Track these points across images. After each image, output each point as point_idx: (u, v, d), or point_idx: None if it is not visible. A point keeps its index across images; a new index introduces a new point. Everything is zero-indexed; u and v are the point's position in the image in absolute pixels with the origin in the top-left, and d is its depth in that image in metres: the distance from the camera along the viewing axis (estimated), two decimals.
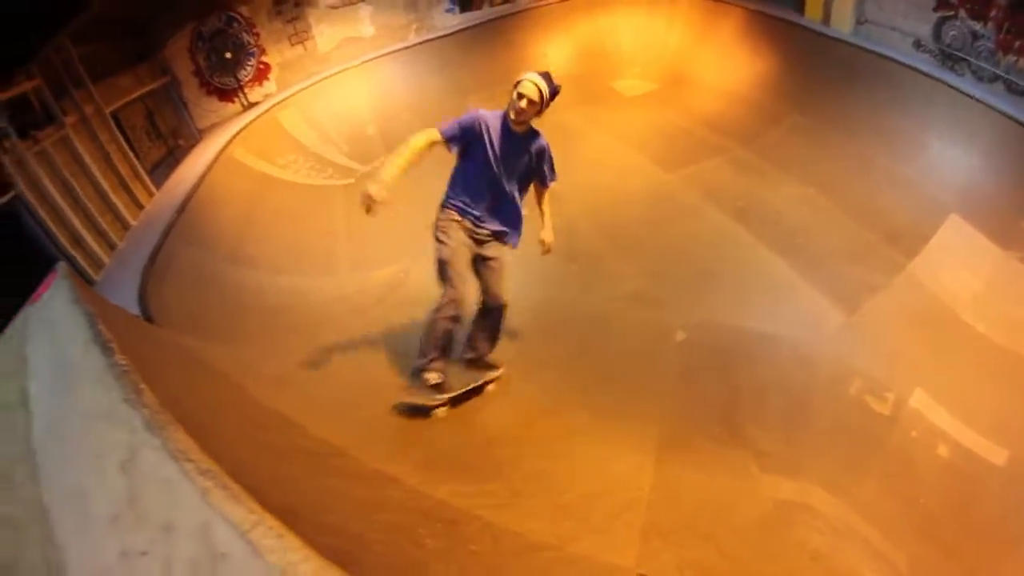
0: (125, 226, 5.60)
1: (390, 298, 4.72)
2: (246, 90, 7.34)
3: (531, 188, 3.28)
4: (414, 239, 5.45)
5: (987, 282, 4.22)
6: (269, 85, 7.53)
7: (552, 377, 3.67)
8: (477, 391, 3.38)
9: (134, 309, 3.78)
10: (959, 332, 3.92)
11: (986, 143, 5.05)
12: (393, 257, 5.31)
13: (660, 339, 4.03)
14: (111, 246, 5.33)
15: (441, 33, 8.20)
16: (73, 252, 5.05)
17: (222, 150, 6.13)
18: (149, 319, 3.73)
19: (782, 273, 4.62)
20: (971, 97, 5.21)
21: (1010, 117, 4.87)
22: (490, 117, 3.04)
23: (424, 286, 4.72)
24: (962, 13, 5.44)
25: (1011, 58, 5.09)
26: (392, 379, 3.42)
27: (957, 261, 4.43)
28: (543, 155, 3.14)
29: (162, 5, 6.66)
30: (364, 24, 7.88)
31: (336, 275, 5.30)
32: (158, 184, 6.34)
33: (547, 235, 3.36)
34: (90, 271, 5.02)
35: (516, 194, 3.18)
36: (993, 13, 5.17)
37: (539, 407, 3.40)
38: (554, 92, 3.00)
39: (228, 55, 7.07)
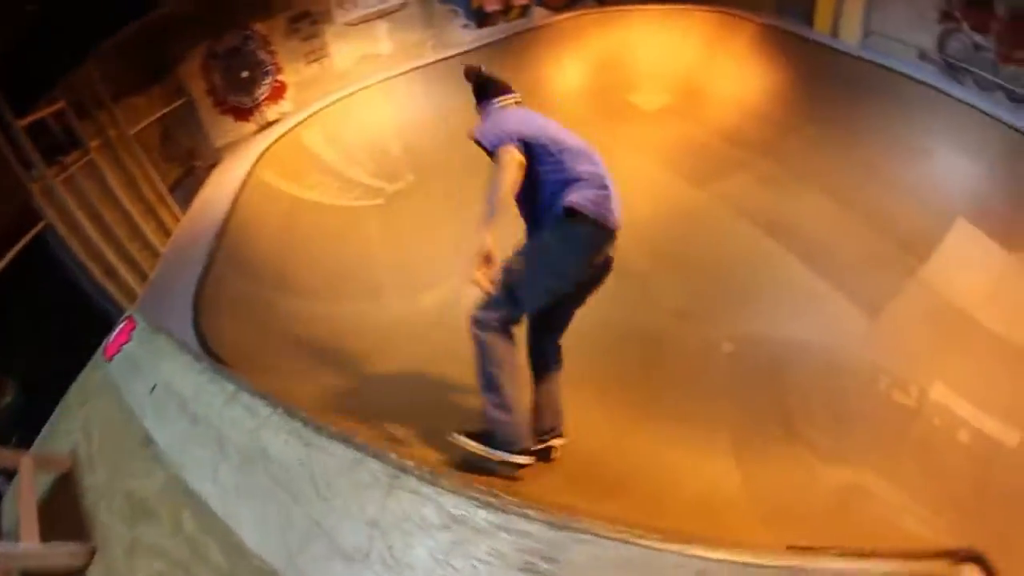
0: (155, 253, 5.40)
1: (447, 321, 4.61)
2: (263, 108, 7.17)
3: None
4: (457, 258, 5.41)
5: (995, 282, 4.68)
6: (285, 104, 7.35)
7: (625, 392, 3.91)
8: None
9: (191, 344, 3.61)
10: (972, 329, 4.36)
11: (987, 150, 5.44)
12: (437, 278, 5.26)
13: (709, 352, 4.37)
14: (143, 276, 5.12)
15: (459, 50, 8.04)
16: (106, 284, 4.85)
17: (249, 172, 5.93)
18: (212, 355, 3.55)
19: (811, 283, 4.90)
20: (973, 107, 5.56)
21: (1010, 126, 5.25)
22: None
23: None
24: (965, 26, 5.71)
25: (1011, 68, 5.41)
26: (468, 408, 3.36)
27: (966, 263, 4.90)
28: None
29: (178, 25, 6.47)
30: (382, 41, 7.74)
31: (382, 299, 5.21)
32: (181, 207, 6.14)
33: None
34: (125, 303, 4.81)
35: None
36: (994, 25, 5.45)
37: (626, 419, 3.65)
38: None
39: (244, 74, 6.90)
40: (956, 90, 5.84)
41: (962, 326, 4.39)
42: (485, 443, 2.49)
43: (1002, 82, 5.49)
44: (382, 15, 7.61)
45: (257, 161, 6.18)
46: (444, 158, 7.05)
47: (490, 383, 2.48)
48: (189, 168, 6.70)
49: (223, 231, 4.97)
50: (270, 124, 7.21)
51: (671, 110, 8.18)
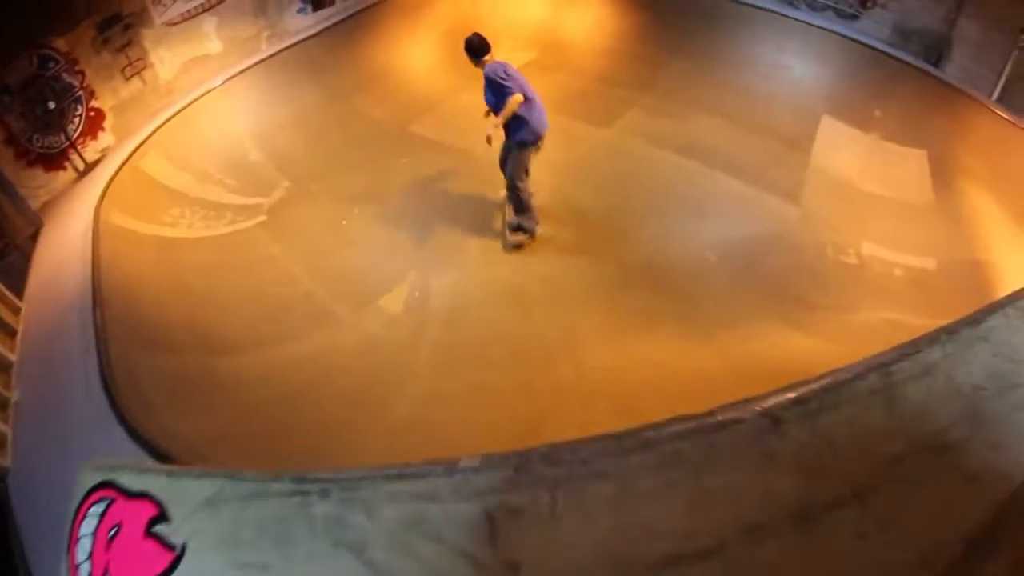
0: (4, 368, 4.01)
1: (433, 319, 4.61)
2: (79, 148, 5.72)
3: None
4: (393, 249, 5.32)
5: (865, 158, 5.75)
6: (105, 137, 5.93)
7: (664, 315, 4.54)
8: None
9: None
10: (864, 196, 5.50)
11: (830, 57, 6.58)
12: (390, 277, 5.04)
13: (702, 263, 5.01)
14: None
15: (300, 37, 7.04)
16: None
17: (96, 217, 4.68)
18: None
19: (738, 189, 5.71)
20: (810, 24, 6.75)
21: (842, 35, 6.49)
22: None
23: (454, 288, 4.90)
24: None
25: None
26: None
27: (841, 149, 5.92)
28: (487, 81, 4.67)
29: None
30: (210, 39, 6.47)
31: (340, 323, 4.60)
32: (13, 292, 4.70)
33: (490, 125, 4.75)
34: None
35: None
36: None
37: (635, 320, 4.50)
38: (468, 45, 4.79)
39: (51, 105, 5.40)
40: (794, 13, 6.90)
41: (857, 195, 5.50)
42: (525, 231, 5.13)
43: (830, 3, 6.69)
44: (207, 8, 6.35)
45: (100, 203, 4.90)
46: (314, 155, 6.43)
47: (522, 204, 5.02)
48: (3, 246, 5.12)
49: (97, 299, 3.83)
50: (92, 166, 5.80)
51: (538, 64, 7.85)
